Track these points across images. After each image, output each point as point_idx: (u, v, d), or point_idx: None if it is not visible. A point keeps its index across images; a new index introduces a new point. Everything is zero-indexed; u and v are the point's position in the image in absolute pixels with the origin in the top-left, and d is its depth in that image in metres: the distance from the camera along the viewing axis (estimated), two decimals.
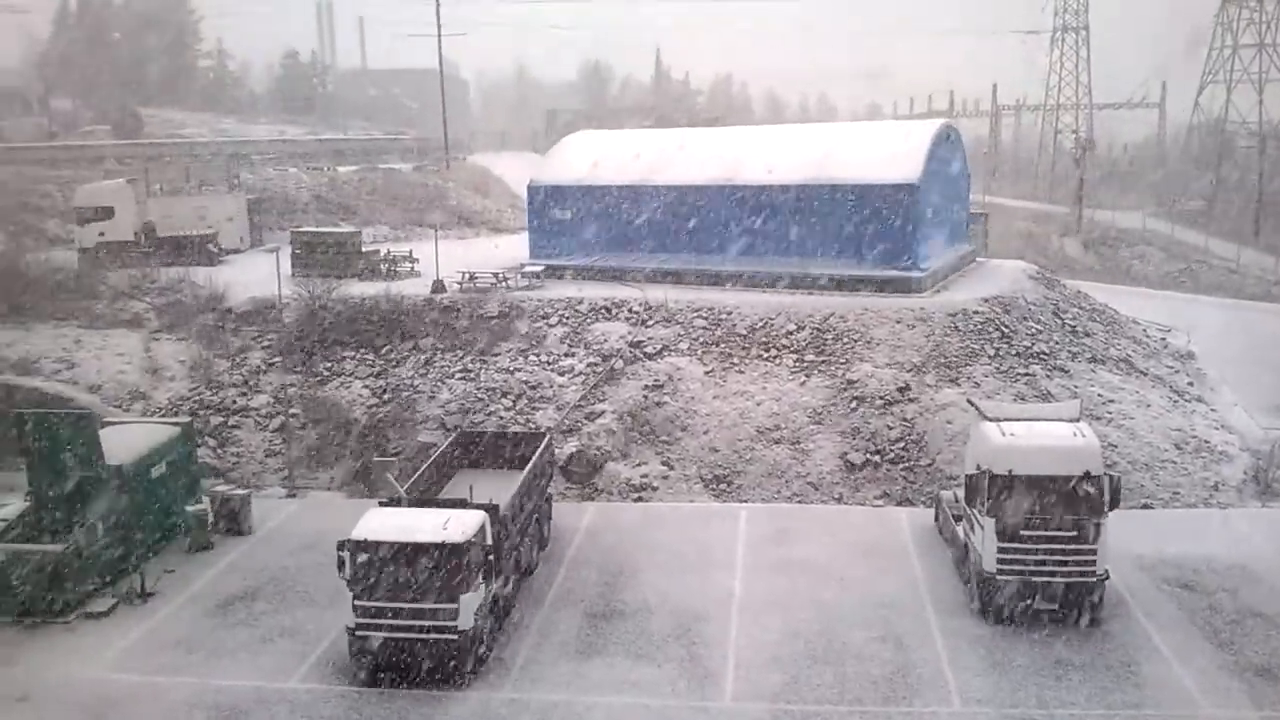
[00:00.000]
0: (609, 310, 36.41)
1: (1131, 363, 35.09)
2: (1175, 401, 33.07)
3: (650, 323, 35.72)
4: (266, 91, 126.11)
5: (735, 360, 33.73)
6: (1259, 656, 19.84)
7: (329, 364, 35.03)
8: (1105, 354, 35.02)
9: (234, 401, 33.82)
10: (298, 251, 43.84)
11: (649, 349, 34.31)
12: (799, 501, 28.49)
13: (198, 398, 33.95)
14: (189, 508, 26.23)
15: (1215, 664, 19.63)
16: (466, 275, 39.34)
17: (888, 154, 39.51)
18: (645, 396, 32.17)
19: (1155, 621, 21.19)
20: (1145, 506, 27.24)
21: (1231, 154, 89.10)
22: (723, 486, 29.29)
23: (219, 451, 31.87)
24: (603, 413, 31.55)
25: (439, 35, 76.30)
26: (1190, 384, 35.23)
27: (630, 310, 36.35)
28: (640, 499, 29.00)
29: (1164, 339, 39.68)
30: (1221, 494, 28.10)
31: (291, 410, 32.45)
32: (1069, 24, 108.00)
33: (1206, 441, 30.49)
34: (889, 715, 18.17)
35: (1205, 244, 68.50)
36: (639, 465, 30.11)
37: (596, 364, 33.66)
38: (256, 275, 38.22)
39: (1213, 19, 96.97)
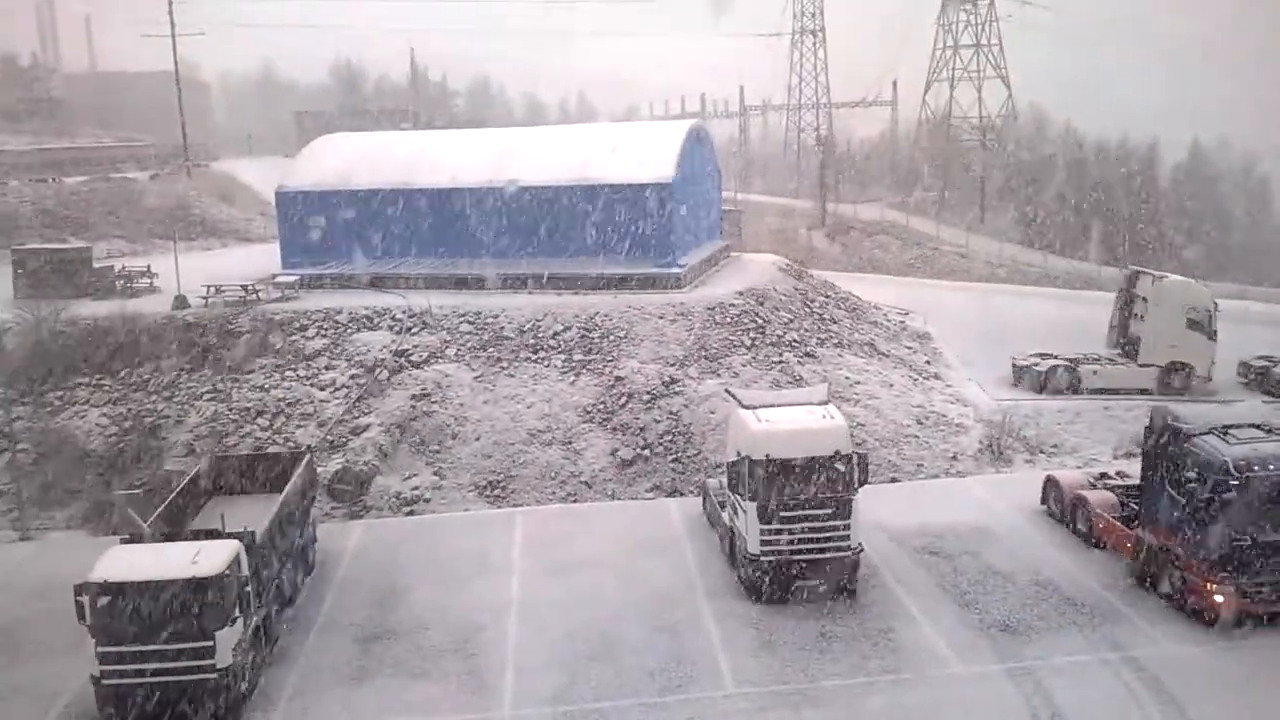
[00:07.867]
0: (370, 319, 35.27)
1: (875, 346, 37.36)
2: (915, 380, 35.45)
3: (414, 330, 34.89)
4: None
5: (504, 364, 33.46)
6: (1000, 613, 21.37)
7: (60, 392, 32.23)
8: (851, 339, 37.13)
9: None
10: (19, 272, 40.25)
11: (414, 357, 33.50)
12: (573, 501, 28.58)
13: None
14: None
15: (962, 623, 21.03)
16: (212, 289, 37.12)
17: (644, 155, 40.35)
18: (413, 406, 31.39)
19: (907, 588, 22.55)
20: (893, 480, 29.03)
21: (957, 147, 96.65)
22: (497, 492, 28.97)
23: None
24: (368, 426, 30.55)
25: (173, 35, 72.13)
26: (928, 363, 37.90)
27: (393, 318, 35.37)
28: (412, 512, 28.25)
29: (903, 322, 42.50)
30: (960, 463, 30.30)
31: (20, 445, 29.64)
32: (806, 27, 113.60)
33: (944, 415, 32.83)
34: (665, 705, 18.43)
35: (937, 232, 73.91)
36: (409, 478, 29.33)
37: (359, 376, 32.56)
38: None
39: (935, 21, 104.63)
